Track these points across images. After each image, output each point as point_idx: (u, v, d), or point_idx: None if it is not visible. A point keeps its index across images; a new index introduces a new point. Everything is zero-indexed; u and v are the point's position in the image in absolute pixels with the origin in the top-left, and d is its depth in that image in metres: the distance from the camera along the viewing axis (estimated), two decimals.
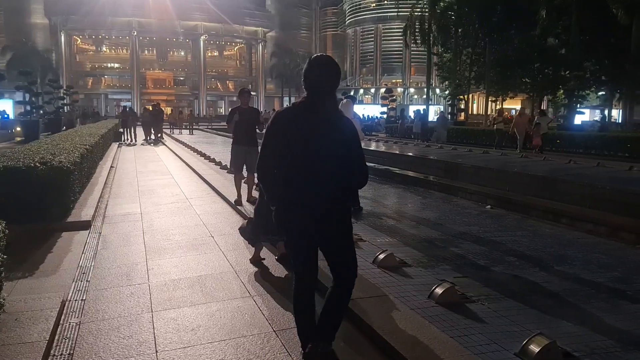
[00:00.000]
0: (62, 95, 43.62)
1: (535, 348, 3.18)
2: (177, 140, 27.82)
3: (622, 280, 4.97)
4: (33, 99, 34.27)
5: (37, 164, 6.70)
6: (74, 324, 3.87)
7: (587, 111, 41.68)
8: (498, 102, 47.47)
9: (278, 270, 5.25)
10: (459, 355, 3.17)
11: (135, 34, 76.00)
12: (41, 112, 35.70)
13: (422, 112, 35.01)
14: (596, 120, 34.71)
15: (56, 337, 3.63)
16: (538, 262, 5.50)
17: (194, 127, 40.32)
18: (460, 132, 28.63)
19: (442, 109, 53.17)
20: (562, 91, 37.04)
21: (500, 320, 3.87)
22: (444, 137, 27.35)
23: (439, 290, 4.21)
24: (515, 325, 3.77)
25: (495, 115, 31.16)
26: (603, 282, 4.86)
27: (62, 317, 3.98)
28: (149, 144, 25.19)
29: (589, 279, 4.97)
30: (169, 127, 38.63)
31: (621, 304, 4.32)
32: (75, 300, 4.36)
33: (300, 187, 3.07)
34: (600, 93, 43.87)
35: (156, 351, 3.43)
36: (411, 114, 45.14)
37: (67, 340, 3.59)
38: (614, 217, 7.50)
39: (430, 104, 46.58)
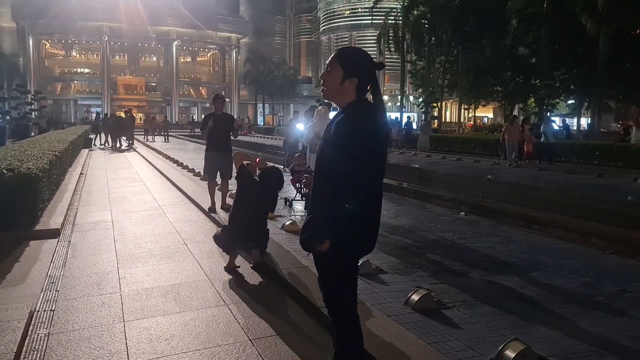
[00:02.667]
0: (29, 100, 42.76)
1: (511, 353, 3.19)
2: (149, 147, 27.47)
3: (594, 285, 5.04)
4: None
5: (4, 170, 6.52)
6: (43, 335, 3.75)
7: (556, 119, 42.48)
8: (470, 110, 48.21)
9: (253, 278, 5.18)
10: None
11: (106, 38, 75.04)
12: (7, 117, 34.92)
13: (397, 119, 35.20)
14: (560, 128, 35.11)
15: (24, 349, 3.51)
16: (512, 268, 5.56)
17: (169, 133, 39.22)
18: (434, 139, 28.90)
19: (416, 116, 53.67)
20: (532, 99, 37.75)
21: (476, 326, 3.88)
22: (428, 145, 27.22)
23: (415, 297, 4.21)
24: (491, 330, 3.79)
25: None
26: (576, 288, 4.93)
27: (30, 328, 3.86)
28: (115, 151, 24.78)
29: (562, 284, 5.03)
30: (142, 134, 37.33)
31: (593, 308, 4.38)
32: (44, 310, 4.23)
33: (377, 206, 2.72)
34: (569, 102, 44.81)
35: None
36: None
37: (35, 352, 3.48)
38: (585, 223, 7.64)
39: (404, 112, 46.97)
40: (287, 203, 9.03)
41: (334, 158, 2.55)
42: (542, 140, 19.60)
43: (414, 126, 38.98)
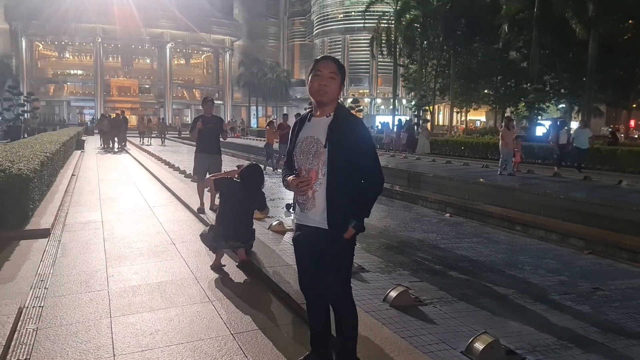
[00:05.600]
0: (22, 102, 42.69)
1: (479, 346, 3.35)
2: (141, 149, 27.50)
3: (568, 284, 5.22)
4: None
5: None
6: (31, 330, 3.87)
7: (547, 123, 42.78)
8: (463, 113, 48.57)
9: (238, 276, 5.32)
10: (408, 354, 3.31)
11: (100, 40, 74.91)
12: (0, 119, 34.92)
13: (406, 121, 34.73)
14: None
15: (12, 343, 3.63)
16: (491, 267, 5.73)
17: (165, 136, 37.54)
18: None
19: (408, 119, 53.86)
20: (523, 103, 38.10)
21: (451, 321, 4.03)
22: (428, 148, 26.73)
23: (393, 294, 4.36)
24: (464, 326, 3.94)
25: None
26: (550, 286, 5.10)
27: (19, 323, 3.97)
28: (107, 152, 24.82)
29: (537, 282, 5.21)
30: (138, 137, 35.97)
31: (565, 305, 4.55)
32: (33, 307, 4.35)
33: None
34: (560, 106, 45.22)
35: (114, 355, 3.47)
36: (378, 124, 45.63)
37: (23, 346, 3.60)
38: (565, 224, 7.82)
39: (397, 115, 47.24)
40: (288, 208, 9.05)
41: (365, 156, 2.93)
42: (574, 145, 18.17)
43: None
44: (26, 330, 3.87)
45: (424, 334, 3.74)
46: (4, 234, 6.60)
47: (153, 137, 37.91)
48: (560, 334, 3.86)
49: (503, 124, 18.34)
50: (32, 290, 4.74)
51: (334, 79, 2.93)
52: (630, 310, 4.47)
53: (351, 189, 2.91)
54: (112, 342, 3.68)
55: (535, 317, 4.23)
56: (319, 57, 3.11)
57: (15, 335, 3.77)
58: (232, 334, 3.82)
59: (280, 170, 15.27)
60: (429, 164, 20.22)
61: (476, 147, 24.50)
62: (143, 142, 33.64)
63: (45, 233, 6.95)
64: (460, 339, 3.63)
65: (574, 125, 42.86)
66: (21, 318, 4.08)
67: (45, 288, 4.83)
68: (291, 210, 8.83)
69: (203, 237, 5.66)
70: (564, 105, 43.50)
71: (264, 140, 19.14)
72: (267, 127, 19.32)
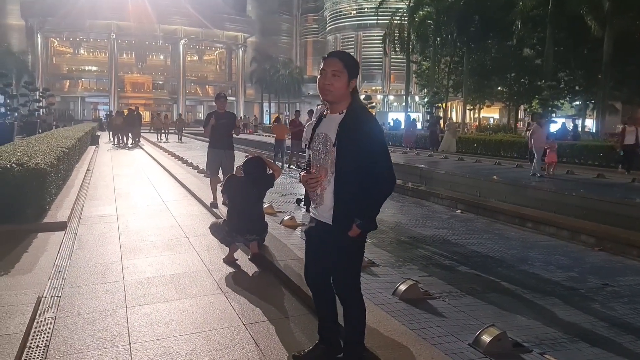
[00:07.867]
0: (37, 98, 43.18)
1: (487, 338, 3.41)
2: (155, 145, 27.71)
3: (577, 279, 5.25)
4: (8, 101, 33.92)
5: (14, 165, 6.76)
6: (50, 318, 3.99)
7: (561, 120, 42.48)
8: (476, 111, 48.32)
9: (250, 269, 5.41)
10: (416, 344, 3.37)
11: (114, 37, 75.42)
12: (16, 114, 35.37)
13: (431, 118, 34.07)
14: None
15: (32, 330, 3.75)
16: (500, 263, 5.77)
17: (182, 133, 36.90)
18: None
19: (421, 116, 53.67)
20: (537, 100, 37.84)
21: (459, 314, 4.09)
22: (454, 147, 25.64)
23: (402, 287, 4.43)
24: (472, 319, 4.00)
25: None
26: (559, 281, 5.14)
27: (38, 312, 4.10)
28: (121, 148, 25.04)
29: (547, 278, 5.24)
30: (155, 134, 35.46)
31: (573, 300, 4.58)
32: (51, 296, 4.47)
33: None
34: (575, 103, 44.84)
35: (130, 343, 3.58)
36: (390, 121, 45.60)
37: (43, 334, 3.72)
38: (575, 221, 7.82)
39: (409, 111, 47.15)
40: (299, 203, 9.16)
41: (376, 155, 2.86)
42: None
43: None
44: (45, 318, 3.99)
45: (433, 327, 3.80)
46: (22, 226, 6.75)
47: (170, 133, 37.18)
48: (567, 328, 3.90)
49: (530, 120, 16.76)
50: (50, 280, 4.86)
51: (338, 77, 2.86)
52: (638, 305, 4.50)
53: (360, 188, 2.87)
54: (128, 330, 3.79)
55: (544, 311, 4.27)
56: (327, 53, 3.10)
57: (35, 324, 3.89)
58: (244, 325, 3.91)
59: (293, 167, 15.38)
60: (442, 161, 20.19)
61: (489, 145, 24.38)
62: (160, 139, 32.94)
63: (62, 226, 7.09)
64: (469, 331, 3.69)
65: (588, 122, 42.59)
66: (40, 307, 4.20)
67: (62, 279, 4.96)
68: (301, 205, 8.94)
69: (214, 230, 5.75)
70: (578, 103, 43.15)
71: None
72: (275, 124, 19.43)
